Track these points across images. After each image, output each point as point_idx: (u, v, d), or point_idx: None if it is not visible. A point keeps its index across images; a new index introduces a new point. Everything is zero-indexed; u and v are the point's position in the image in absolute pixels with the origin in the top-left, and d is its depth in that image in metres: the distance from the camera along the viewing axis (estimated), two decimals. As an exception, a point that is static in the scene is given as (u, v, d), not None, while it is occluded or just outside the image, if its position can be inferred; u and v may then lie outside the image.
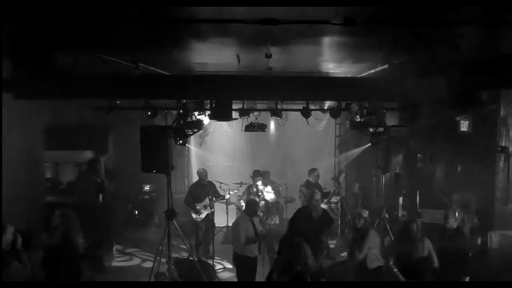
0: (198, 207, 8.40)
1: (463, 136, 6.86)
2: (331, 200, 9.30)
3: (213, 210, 8.53)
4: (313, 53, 5.90)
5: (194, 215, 8.40)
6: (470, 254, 5.52)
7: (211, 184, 8.75)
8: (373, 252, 5.62)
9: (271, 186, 9.69)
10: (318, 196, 6.34)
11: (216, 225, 8.90)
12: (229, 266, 6.38)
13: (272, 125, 10.40)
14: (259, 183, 9.29)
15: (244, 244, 5.91)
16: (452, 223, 5.37)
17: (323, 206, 8.35)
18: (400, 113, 8.37)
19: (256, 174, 9.38)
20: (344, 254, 8.05)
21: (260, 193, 9.15)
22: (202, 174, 8.66)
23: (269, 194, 9.39)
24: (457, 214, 5.55)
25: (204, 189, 8.53)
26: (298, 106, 7.32)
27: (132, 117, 8.29)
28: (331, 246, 8.78)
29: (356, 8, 3.49)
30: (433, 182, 7.97)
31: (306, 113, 7.12)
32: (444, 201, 7.27)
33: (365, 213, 5.79)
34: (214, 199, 8.54)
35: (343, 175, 9.71)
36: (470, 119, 6.77)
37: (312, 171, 8.91)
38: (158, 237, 7.43)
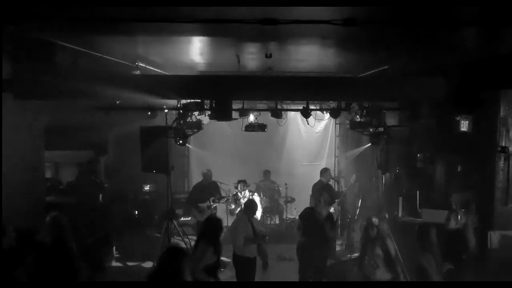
0: (200, 207, 8.40)
1: (463, 136, 6.86)
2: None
3: (215, 211, 8.55)
4: (313, 53, 5.90)
5: (197, 215, 8.40)
6: (463, 256, 5.51)
7: (214, 185, 8.75)
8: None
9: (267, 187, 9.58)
10: (323, 198, 6.31)
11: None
12: (228, 260, 6.38)
13: (272, 125, 10.39)
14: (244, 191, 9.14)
15: (243, 245, 5.91)
16: (453, 226, 5.37)
17: (333, 207, 8.37)
18: (400, 113, 8.37)
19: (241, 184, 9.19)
20: (349, 255, 8.06)
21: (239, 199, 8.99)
22: (207, 175, 8.66)
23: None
24: (459, 217, 5.54)
25: (207, 190, 8.53)
26: (298, 106, 7.32)
27: (132, 117, 8.29)
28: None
29: (356, 8, 3.49)
30: (433, 182, 7.96)
31: (306, 113, 7.12)
32: (448, 201, 7.26)
33: (376, 222, 5.77)
34: (217, 200, 8.54)
35: (354, 176, 9.49)
36: (470, 119, 6.76)
37: (325, 170, 8.89)
38: (158, 237, 7.43)
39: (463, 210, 6.90)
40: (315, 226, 6.09)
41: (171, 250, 3.87)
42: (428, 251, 4.56)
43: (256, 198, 8.98)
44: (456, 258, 5.21)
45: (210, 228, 5.04)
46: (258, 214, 8.93)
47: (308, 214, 6.27)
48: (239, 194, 8.94)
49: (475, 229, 6.67)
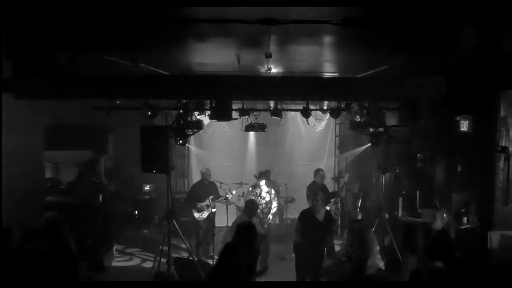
0: (199, 206, 8.41)
1: (463, 136, 6.86)
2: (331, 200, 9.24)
3: (214, 210, 8.54)
4: (313, 53, 5.90)
5: (196, 215, 8.40)
6: (457, 254, 5.51)
7: (212, 185, 8.75)
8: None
9: (270, 186, 9.61)
10: (319, 197, 6.32)
11: (216, 225, 8.90)
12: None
13: (272, 125, 10.39)
14: (263, 182, 9.10)
15: (243, 245, 5.91)
16: (439, 225, 5.40)
17: (328, 207, 8.39)
18: (400, 113, 8.37)
19: (262, 176, 9.11)
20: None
21: (264, 195, 8.97)
22: (206, 174, 8.65)
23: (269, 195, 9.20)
24: (444, 215, 5.56)
25: (206, 189, 8.53)
26: (298, 106, 7.32)
27: (132, 117, 8.29)
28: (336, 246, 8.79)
29: (356, 8, 3.49)
30: (433, 182, 7.97)
31: (306, 113, 7.11)
32: (435, 202, 7.31)
33: (359, 215, 5.85)
34: (215, 199, 8.54)
35: (346, 175, 9.64)
36: (470, 119, 6.76)
37: (317, 171, 8.87)
38: (158, 237, 7.44)
39: (463, 210, 6.93)
40: (314, 227, 6.10)
41: (230, 246, 3.82)
42: (414, 254, 4.55)
43: (274, 199, 8.98)
44: (446, 257, 5.21)
45: (239, 237, 4.61)
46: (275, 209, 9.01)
47: (306, 216, 6.28)
48: (260, 187, 8.87)
49: (475, 229, 6.69)
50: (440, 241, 5.32)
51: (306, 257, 6.20)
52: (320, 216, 6.20)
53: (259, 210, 7.61)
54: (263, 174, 9.10)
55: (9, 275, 4.05)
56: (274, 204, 8.98)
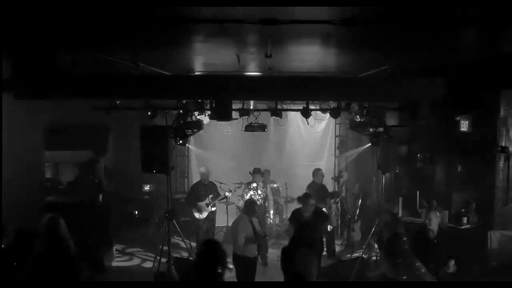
0: (199, 205, 8.41)
1: (463, 136, 6.86)
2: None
3: (214, 208, 8.55)
4: (313, 53, 5.90)
5: (197, 215, 8.41)
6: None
7: (212, 184, 8.76)
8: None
9: (270, 185, 9.66)
10: (312, 201, 6.31)
11: (216, 225, 8.90)
12: (230, 266, 6.39)
13: (272, 125, 10.39)
14: (257, 178, 9.15)
15: (243, 244, 5.92)
16: (435, 225, 5.39)
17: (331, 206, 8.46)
18: (400, 113, 8.37)
19: (256, 171, 9.28)
20: (349, 255, 8.04)
21: (259, 191, 9.02)
22: (204, 173, 8.67)
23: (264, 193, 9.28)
24: (438, 213, 5.57)
25: (206, 189, 8.55)
26: (298, 106, 7.32)
27: (132, 117, 8.29)
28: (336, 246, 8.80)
29: (356, 8, 3.49)
30: (433, 182, 7.97)
31: (306, 113, 7.11)
32: (424, 204, 7.33)
33: (395, 209, 5.78)
34: (215, 198, 8.56)
35: (346, 173, 9.68)
36: (470, 119, 6.77)
37: (316, 171, 8.89)
38: (158, 237, 7.45)
39: (463, 210, 6.93)
40: (304, 227, 6.10)
41: (207, 242, 3.89)
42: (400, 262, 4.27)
43: (269, 194, 8.96)
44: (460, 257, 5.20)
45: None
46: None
47: (296, 214, 6.31)
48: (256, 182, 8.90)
49: (475, 229, 6.70)
50: (441, 240, 5.30)
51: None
52: (307, 215, 6.23)
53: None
54: (257, 170, 9.12)
55: (10, 275, 4.05)
56: (270, 197, 9.06)
